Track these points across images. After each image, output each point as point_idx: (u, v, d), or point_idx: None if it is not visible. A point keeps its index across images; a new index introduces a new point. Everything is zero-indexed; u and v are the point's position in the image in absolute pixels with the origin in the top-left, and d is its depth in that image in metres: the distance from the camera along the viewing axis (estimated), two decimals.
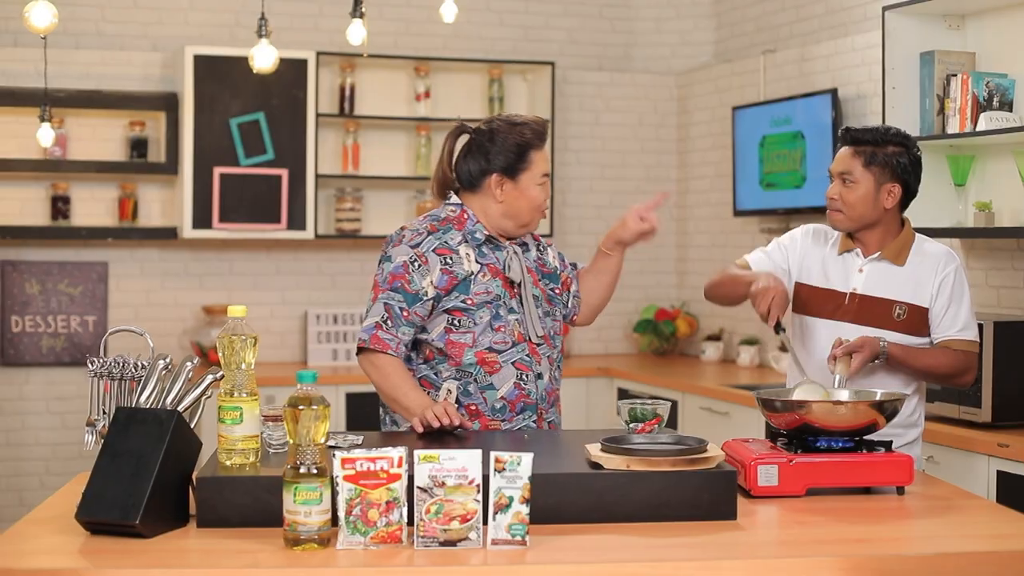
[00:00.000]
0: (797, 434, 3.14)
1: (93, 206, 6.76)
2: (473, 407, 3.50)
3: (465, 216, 3.55)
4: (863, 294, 3.63)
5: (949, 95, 4.94)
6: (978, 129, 4.79)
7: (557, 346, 3.64)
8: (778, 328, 3.53)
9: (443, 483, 2.54)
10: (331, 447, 3.04)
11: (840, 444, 3.11)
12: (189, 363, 2.90)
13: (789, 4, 6.74)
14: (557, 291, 3.68)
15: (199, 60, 6.56)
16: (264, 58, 5.25)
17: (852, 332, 3.58)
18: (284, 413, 2.61)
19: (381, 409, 3.68)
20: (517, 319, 3.52)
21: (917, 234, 3.73)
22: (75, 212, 6.72)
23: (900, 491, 3.06)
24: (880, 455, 3.07)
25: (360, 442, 3.18)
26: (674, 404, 6.14)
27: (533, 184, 3.51)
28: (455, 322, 3.48)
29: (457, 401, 3.50)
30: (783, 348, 6.25)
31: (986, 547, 2.60)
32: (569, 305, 3.76)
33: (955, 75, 4.91)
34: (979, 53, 5.06)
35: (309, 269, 7.11)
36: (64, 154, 6.65)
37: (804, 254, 3.77)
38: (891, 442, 3.13)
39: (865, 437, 3.13)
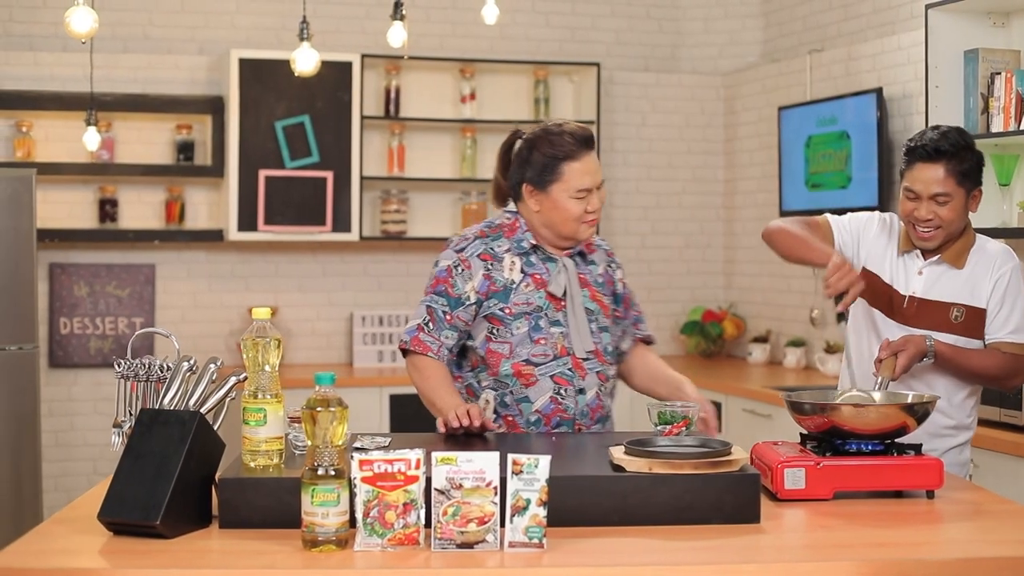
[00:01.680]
0: (827, 437, 3.10)
1: (140, 209, 6.83)
2: (510, 419, 3.48)
3: (517, 224, 3.53)
4: (921, 298, 3.58)
5: (993, 94, 4.87)
6: (1023, 128, 4.72)
7: (614, 362, 3.58)
8: (841, 317, 3.48)
9: (460, 485, 2.53)
10: (357, 448, 3.04)
11: (870, 447, 3.07)
12: (213, 365, 2.91)
13: (836, 3, 6.68)
14: (619, 313, 3.64)
15: (244, 63, 6.61)
16: (306, 61, 5.29)
17: (908, 333, 3.54)
18: (302, 415, 2.61)
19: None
20: (562, 332, 3.47)
21: (978, 235, 3.66)
22: (123, 215, 6.79)
23: (930, 495, 3.01)
24: (909, 458, 3.02)
25: (387, 443, 3.17)
26: (718, 406, 6.10)
27: (566, 197, 3.42)
28: (493, 331, 3.47)
29: (495, 412, 3.49)
30: (828, 350, 6.20)
31: (1012, 552, 2.55)
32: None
33: (999, 73, 4.85)
34: None
35: (355, 271, 7.13)
36: (112, 157, 6.72)
37: (877, 243, 3.68)
38: (921, 445, 3.09)
39: (899, 439, 3.09)
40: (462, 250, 3.50)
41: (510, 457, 2.54)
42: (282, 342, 2.95)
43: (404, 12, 5.30)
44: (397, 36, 5.32)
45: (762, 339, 7.09)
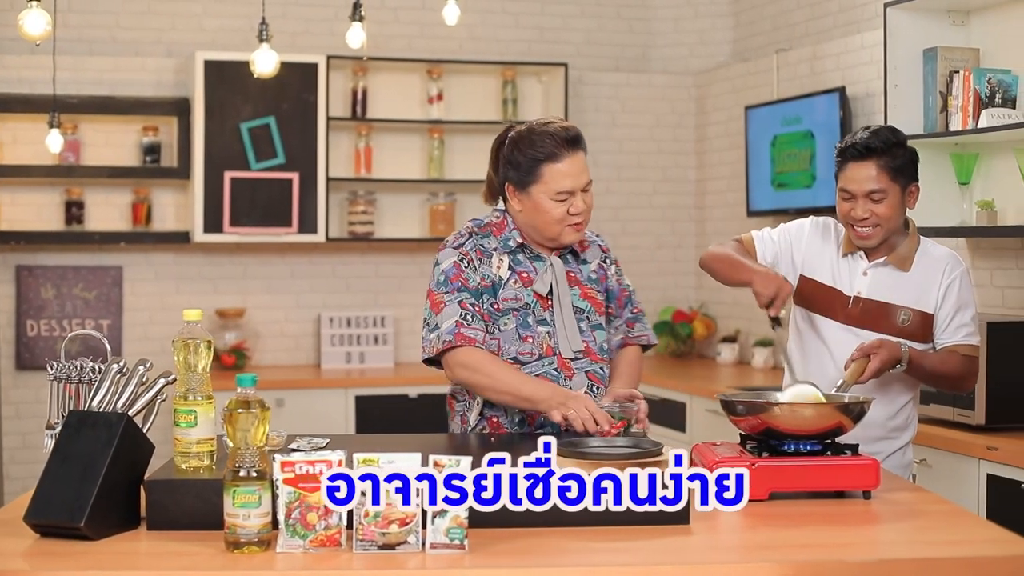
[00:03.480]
0: (764, 438, 3.09)
1: (107, 211, 6.81)
2: (495, 419, 3.46)
3: (505, 223, 3.48)
4: (867, 298, 3.57)
5: (952, 92, 4.87)
6: (980, 126, 4.72)
7: (609, 361, 3.52)
8: (776, 323, 3.47)
9: None
10: (293, 449, 3.03)
11: (808, 448, 3.06)
12: (142, 367, 2.90)
13: (804, 2, 6.68)
14: (611, 310, 3.57)
15: (209, 65, 6.60)
16: (265, 63, 5.27)
17: (857, 336, 3.54)
18: (223, 416, 2.60)
19: (449, 407, 3.58)
20: (548, 331, 3.42)
21: (922, 238, 3.66)
22: (89, 217, 6.77)
23: (867, 495, 3.01)
24: (844, 459, 3.01)
25: (324, 445, 3.16)
26: (682, 406, 6.09)
27: (546, 199, 3.34)
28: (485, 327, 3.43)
29: (480, 414, 3.47)
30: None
31: (934, 553, 2.54)
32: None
33: (958, 72, 4.84)
34: (983, 49, 4.98)
35: (323, 272, 7.12)
36: (78, 160, 6.70)
37: (812, 249, 3.68)
38: (857, 445, 3.08)
39: (838, 440, 3.08)
40: (460, 246, 3.46)
41: (431, 458, 2.53)
42: (212, 343, 2.94)
43: (363, 13, 5.29)
44: (356, 37, 5.31)
45: (731, 339, 7.08)
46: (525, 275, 3.44)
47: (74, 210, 6.71)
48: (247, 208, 6.65)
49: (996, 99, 4.76)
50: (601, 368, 3.48)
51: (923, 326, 3.55)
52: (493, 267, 3.44)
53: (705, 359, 7.31)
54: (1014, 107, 4.77)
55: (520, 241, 3.45)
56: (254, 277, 7.03)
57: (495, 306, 3.41)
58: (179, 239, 6.77)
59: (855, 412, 3.07)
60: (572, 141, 3.37)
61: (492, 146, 3.52)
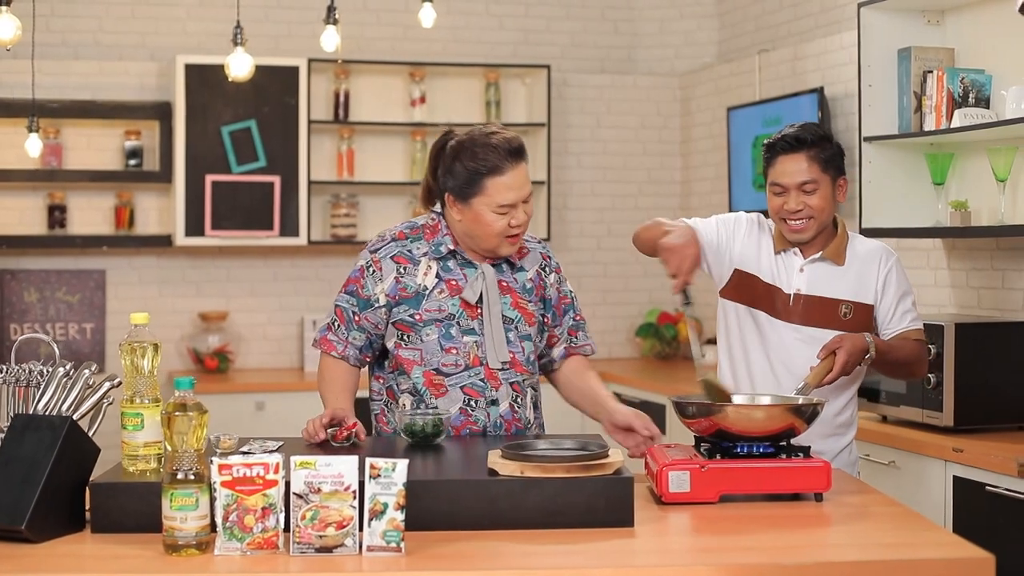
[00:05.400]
0: (716, 440, 3.08)
1: (90, 215, 6.82)
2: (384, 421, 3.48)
3: (439, 227, 3.43)
4: (807, 295, 3.57)
5: (926, 92, 4.85)
6: (952, 126, 4.70)
7: (534, 371, 3.48)
8: (686, 299, 3.38)
9: (319, 489, 2.52)
10: (245, 452, 3.03)
11: (760, 450, 3.05)
12: (87, 370, 2.90)
13: (787, 2, 6.66)
14: (547, 319, 3.52)
15: (190, 69, 6.61)
16: (240, 67, 5.28)
17: (800, 332, 3.55)
18: (161, 419, 2.60)
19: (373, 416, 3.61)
20: (476, 341, 3.37)
21: (849, 232, 3.66)
22: (72, 221, 6.78)
23: (818, 497, 2.99)
24: (795, 461, 3.00)
25: (276, 448, 3.15)
26: (662, 408, 6.07)
27: (488, 211, 3.28)
28: (404, 337, 3.39)
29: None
30: None
31: (874, 556, 2.52)
32: (544, 358, 3.59)
33: (931, 72, 4.82)
34: (958, 49, 4.96)
35: (306, 275, 7.12)
36: (60, 163, 6.71)
37: (749, 243, 3.65)
38: (809, 448, 3.07)
39: (792, 441, 3.07)
40: (376, 251, 3.42)
41: (368, 461, 2.53)
42: (160, 347, 2.94)
43: (337, 16, 5.28)
44: (331, 40, 5.31)
45: (714, 341, 7.05)
46: (453, 283, 3.39)
47: (57, 214, 6.73)
48: (228, 211, 6.65)
49: (969, 99, 4.74)
50: (524, 380, 3.44)
51: (865, 318, 3.56)
52: (419, 275, 3.39)
53: (690, 361, 7.27)
54: (988, 107, 4.75)
55: (451, 248, 3.40)
56: (237, 280, 7.04)
57: (417, 316, 3.37)
58: (161, 243, 6.78)
59: (807, 414, 3.05)
60: (515, 153, 3.30)
61: (431, 150, 3.46)
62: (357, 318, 3.41)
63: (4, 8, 4.49)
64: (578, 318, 3.60)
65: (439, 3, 5.63)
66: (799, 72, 6.30)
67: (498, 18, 7.44)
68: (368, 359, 3.50)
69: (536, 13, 7.50)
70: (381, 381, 3.50)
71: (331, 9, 5.26)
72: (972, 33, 4.92)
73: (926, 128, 4.83)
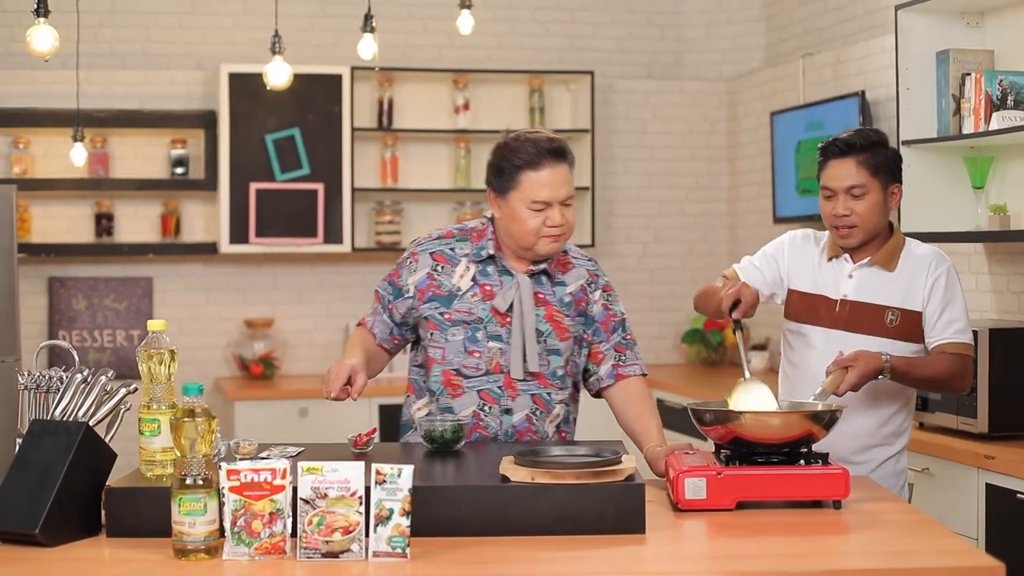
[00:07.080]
0: (735, 447, 3.06)
1: (137, 223, 6.90)
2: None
3: (486, 231, 3.45)
4: (854, 300, 3.53)
5: (964, 95, 4.79)
6: (990, 128, 4.63)
7: (564, 387, 3.45)
8: (737, 326, 3.43)
9: (325, 495, 2.54)
10: (262, 458, 3.04)
11: (779, 457, 3.02)
12: (104, 376, 2.93)
13: (832, 5, 6.61)
14: (586, 336, 3.49)
15: (234, 78, 6.67)
16: (278, 75, 5.32)
17: (845, 340, 3.50)
18: (169, 425, 2.63)
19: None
20: (501, 348, 3.38)
21: (906, 238, 3.62)
22: (119, 229, 6.86)
23: (836, 505, 2.96)
24: (813, 468, 2.97)
25: (296, 454, 3.17)
26: None
27: (522, 207, 3.29)
28: (430, 334, 3.43)
29: (429, 415, 3.48)
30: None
31: (881, 564, 2.50)
32: (591, 376, 3.52)
33: (970, 74, 4.76)
34: (998, 51, 4.89)
35: (351, 282, 7.15)
36: (107, 172, 6.80)
37: (794, 261, 3.66)
38: (827, 455, 3.03)
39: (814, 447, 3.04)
40: (420, 245, 3.48)
41: (374, 467, 2.54)
42: (176, 353, 2.96)
43: (374, 24, 5.32)
44: (368, 48, 5.34)
45: (761, 347, 7.02)
46: (488, 288, 3.40)
47: (104, 222, 6.81)
48: (272, 219, 6.71)
49: (1008, 101, 4.67)
50: (548, 393, 3.41)
51: (912, 325, 3.50)
52: (456, 276, 3.42)
53: (737, 367, 7.22)
54: None
55: (492, 252, 3.41)
56: (283, 287, 7.09)
57: (446, 316, 3.40)
58: (207, 250, 6.84)
59: (825, 420, 3.03)
60: (555, 152, 3.32)
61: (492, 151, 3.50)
62: (391, 306, 3.48)
63: (42, 20, 4.55)
64: (628, 338, 3.54)
65: (484, 10, 5.66)
66: (841, 76, 6.25)
67: (543, 24, 7.43)
68: (396, 342, 3.53)
69: (582, 19, 7.49)
70: (410, 374, 3.56)
71: (368, 17, 5.29)
72: (1012, 35, 4.85)
73: (964, 131, 4.77)
